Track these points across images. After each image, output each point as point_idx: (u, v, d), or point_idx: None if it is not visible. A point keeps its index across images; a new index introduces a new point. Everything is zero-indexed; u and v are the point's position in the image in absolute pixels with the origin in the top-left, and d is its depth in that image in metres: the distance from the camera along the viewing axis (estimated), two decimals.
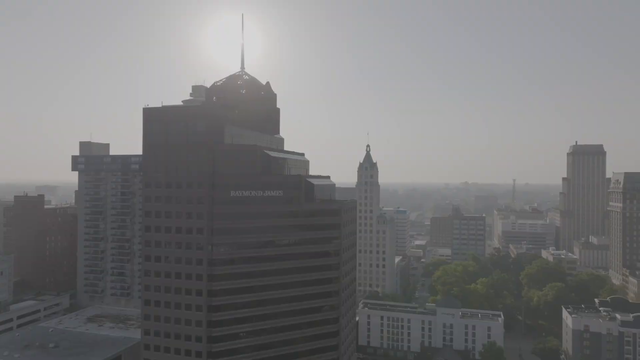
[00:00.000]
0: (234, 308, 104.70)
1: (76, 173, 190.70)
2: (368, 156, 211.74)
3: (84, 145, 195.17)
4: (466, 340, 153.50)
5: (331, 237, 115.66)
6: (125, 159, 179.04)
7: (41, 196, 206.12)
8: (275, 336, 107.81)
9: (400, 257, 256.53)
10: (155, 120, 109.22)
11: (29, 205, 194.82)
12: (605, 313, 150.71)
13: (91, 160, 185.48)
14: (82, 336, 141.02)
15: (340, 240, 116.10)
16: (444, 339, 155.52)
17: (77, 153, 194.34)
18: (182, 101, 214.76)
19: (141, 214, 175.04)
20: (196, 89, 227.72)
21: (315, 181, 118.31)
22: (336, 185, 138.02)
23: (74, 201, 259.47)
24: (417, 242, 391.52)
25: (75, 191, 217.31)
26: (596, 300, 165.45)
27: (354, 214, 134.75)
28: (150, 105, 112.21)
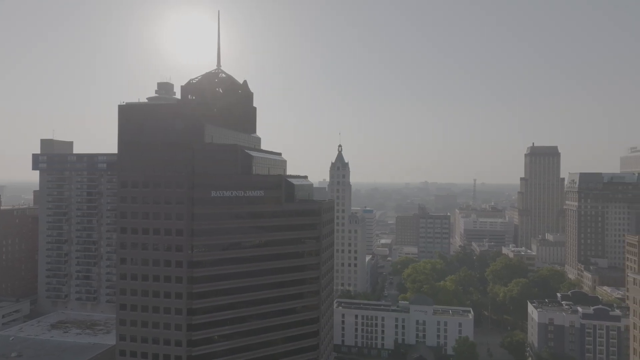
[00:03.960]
0: (215, 310, 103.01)
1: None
2: (340, 156, 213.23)
3: (45, 143, 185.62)
4: (438, 337, 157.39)
5: (311, 237, 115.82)
6: (91, 158, 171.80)
7: None
8: (256, 338, 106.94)
9: (370, 256, 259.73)
10: (131, 118, 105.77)
11: None
12: (567, 306, 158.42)
13: (54, 159, 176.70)
14: (46, 344, 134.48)
15: (320, 240, 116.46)
16: (417, 335, 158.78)
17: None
18: (147, 98, 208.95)
19: (109, 215, 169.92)
20: (162, 86, 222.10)
21: (295, 181, 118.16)
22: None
23: (31, 202, 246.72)
24: (383, 241, 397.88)
25: (35, 191, 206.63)
26: (558, 294, 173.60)
27: (332, 214, 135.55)
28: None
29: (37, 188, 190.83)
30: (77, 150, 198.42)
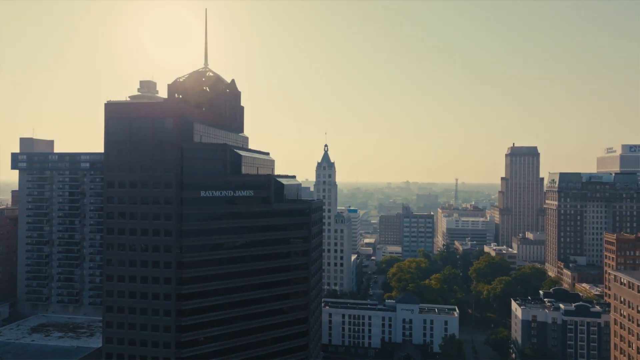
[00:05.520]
0: (205, 311, 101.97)
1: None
2: (326, 156, 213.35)
3: (25, 141, 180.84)
4: (424, 335, 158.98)
5: (300, 237, 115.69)
6: (73, 157, 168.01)
7: None
8: (246, 338, 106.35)
9: (355, 255, 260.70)
10: (118, 116, 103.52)
11: None
12: (549, 303, 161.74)
13: (34, 158, 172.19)
14: (28, 348, 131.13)
15: (309, 240, 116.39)
16: (404, 334, 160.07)
17: None
18: (130, 97, 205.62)
19: (92, 215, 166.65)
20: (145, 84, 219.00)
21: (284, 181, 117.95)
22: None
23: (7, 202, 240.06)
24: (367, 240, 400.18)
25: (13, 191, 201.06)
26: (540, 292, 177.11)
27: (321, 214, 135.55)
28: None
29: (16, 188, 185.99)
30: (58, 149, 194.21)
